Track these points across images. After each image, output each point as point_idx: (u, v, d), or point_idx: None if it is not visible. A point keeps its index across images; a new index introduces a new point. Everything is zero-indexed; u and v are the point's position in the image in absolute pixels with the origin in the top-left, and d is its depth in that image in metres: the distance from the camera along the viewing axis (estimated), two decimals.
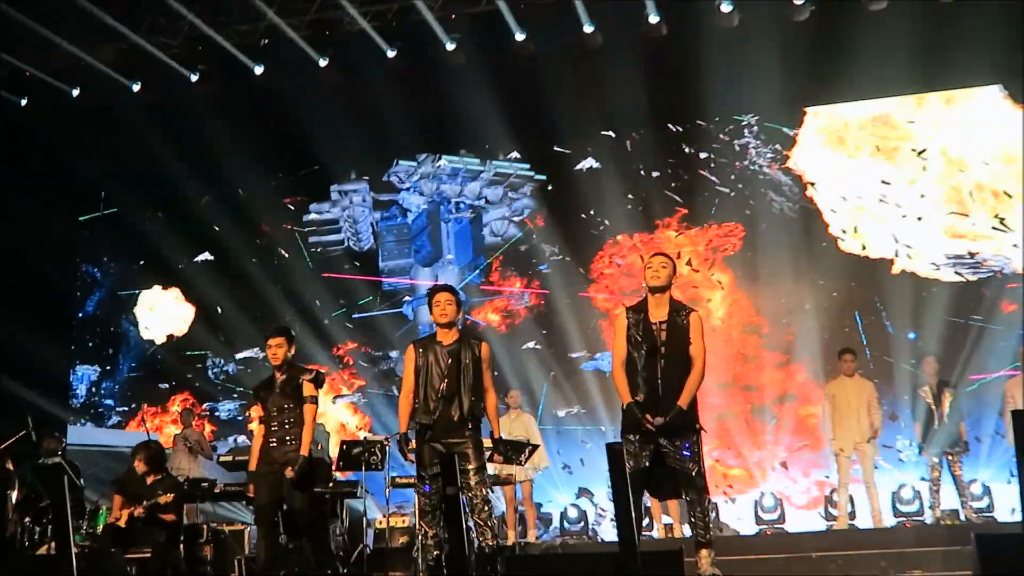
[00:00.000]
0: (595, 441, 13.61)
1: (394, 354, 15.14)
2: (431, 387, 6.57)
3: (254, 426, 11.62)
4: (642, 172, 14.51)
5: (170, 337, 15.92)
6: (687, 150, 14.41)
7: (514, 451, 9.66)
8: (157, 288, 16.14)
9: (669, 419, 6.08)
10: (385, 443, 9.63)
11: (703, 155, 14.34)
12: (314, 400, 7.44)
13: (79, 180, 15.91)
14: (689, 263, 14.00)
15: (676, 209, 14.34)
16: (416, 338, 7.33)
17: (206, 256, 15.88)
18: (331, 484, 9.87)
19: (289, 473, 7.21)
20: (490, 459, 6.90)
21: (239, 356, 15.42)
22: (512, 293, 14.82)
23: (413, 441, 6.74)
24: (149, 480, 9.22)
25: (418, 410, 6.60)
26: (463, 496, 6.41)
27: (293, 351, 7.59)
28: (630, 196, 14.44)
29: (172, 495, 8.98)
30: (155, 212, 16.01)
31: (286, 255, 15.71)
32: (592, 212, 14.52)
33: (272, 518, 7.36)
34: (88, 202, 16.45)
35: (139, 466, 9.28)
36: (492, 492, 6.71)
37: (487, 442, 6.93)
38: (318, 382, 7.49)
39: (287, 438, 7.35)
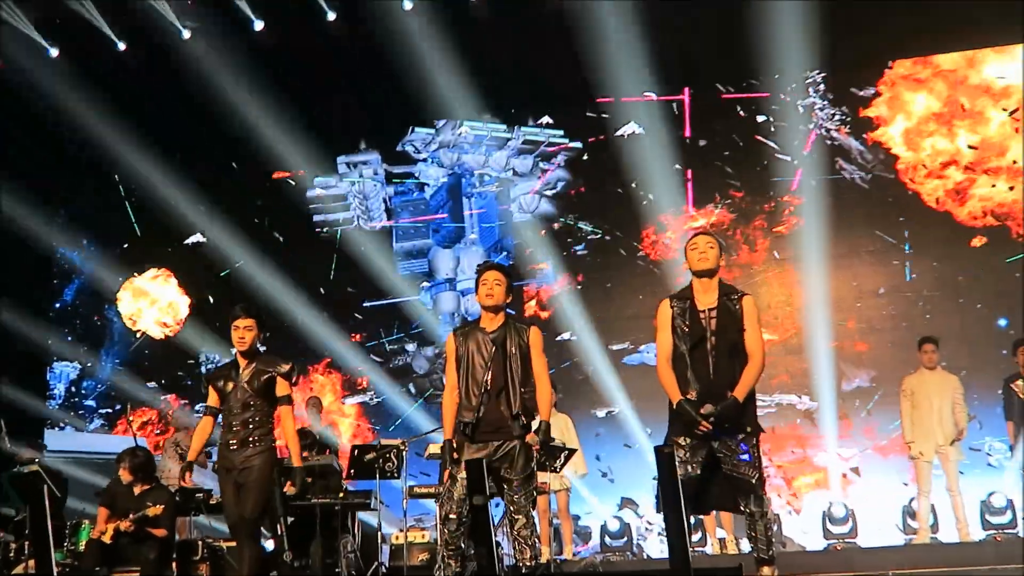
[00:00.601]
0: (640, 445, 13.57)
1: (411, 347, 15.14)
2: (473, 380, 6.54)
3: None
4: (690, 139, 14.41)
5: (161, 329, 15.97)
6: (742, 112, 14.31)
7: (548, 456, 9.62)
8: (144, 274, 16.20)
9: (720, 409, 6.06)
10: (402, 448, 9.63)
11: (760, 118, 14.23)
12: (290, 400, 7.31)
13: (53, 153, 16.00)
14: (742, 240, 13.90)
15: (729, 181, 14.24)
16: (445, 326, 7.29)
17: (198, 238, 15.93)
18: (341, 495, 9.88)
19: (291, 489, 7.21)
20: None
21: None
22: (544, 277, 14.79)
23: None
24: (137, 490, 9.27)
25: (460, 407, 6.57)
26: (505, 507, 6.45)
27: (262, 336, 7.39)
28: (677, 166, 14.35)
29: (162, 507, 9.03)
30: (141, 189, 16.04)
31: (288, 236, 15.72)
32: (635, 184, 14.45)
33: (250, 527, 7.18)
34: (66, 179, 16.50)
35: (124, 475, 9.34)
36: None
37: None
38: (292, 378, 7.32)
39: (251, 440, 7.12)
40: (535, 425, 6.57)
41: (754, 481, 6.14)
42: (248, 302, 7.83)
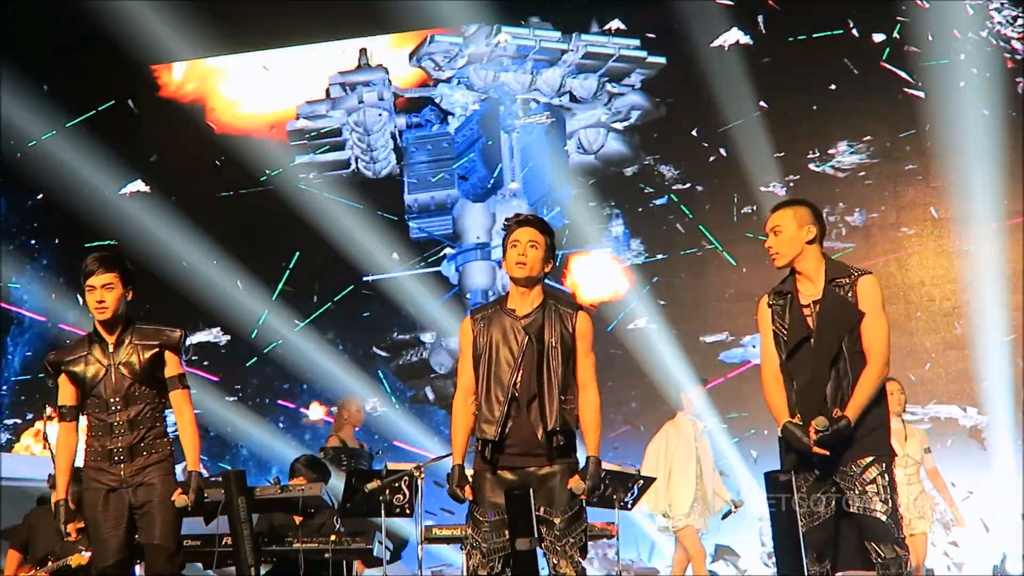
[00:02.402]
0: (739, 472, 13.69)
1: (428, 337, 15.31)
2: (498, 382, 6.48)
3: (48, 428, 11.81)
4: (855, 33, 14.43)
5: (86, 307, 16.13)
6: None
7: (616, 486, 9.76)
8: (62, 237, 16.44)
9: (830, 432, 6.13)
10: (416, 474, 9.71)
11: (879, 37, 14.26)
12: (186, 382, 7.13)
13: None
14: (886, 194, 13.95)
15: (871, 104, 14.29)
16: (472, 307, 7.22)
17: (138, 187, 16.12)
18: (334, 537, 10.02)
19: (182, 500, 6.90)
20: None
21: (190, 340, 15.59)
22: (610, 242, 14.88)
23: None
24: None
25: (479, 419, 6.54)
26: (547, 559, 6.46)
27: (131, 297, 7.06)
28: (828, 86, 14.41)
29: (90, 555, 9.18)
30: (56, 117, 16.23)
31: (262, 182, 15.91)
32: (763, 103, 14.55)
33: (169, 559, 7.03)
34: None
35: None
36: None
37: None
38: (182, 349, 7.15)
39: (143, 444, 6.96)
40: (581, 454, 6.55)
41: (884, 518, 6.17)
42: (106, 251, 7.39)
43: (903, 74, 14.20)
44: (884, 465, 6.27)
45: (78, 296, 16.07)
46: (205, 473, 9.91)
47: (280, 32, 15.84)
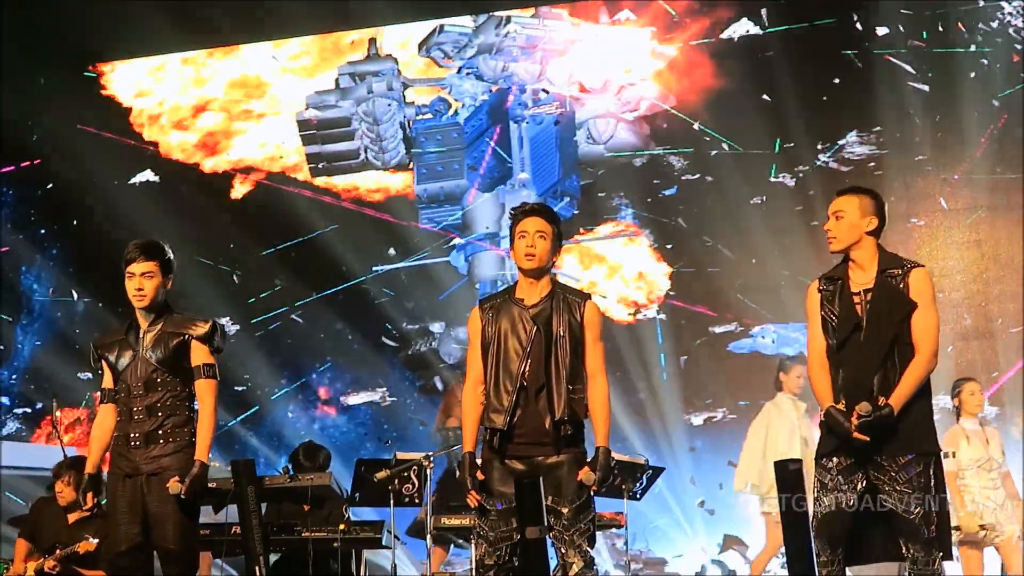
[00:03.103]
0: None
1: (437, 327, 15.31)
2: (506, 371, 6.53)
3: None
4: (858, 26, 14.44)
5: (96, 296, 16.12)
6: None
7: (625, 476, 9.77)
8: (71, 226, 16.45)
9: (872, 418, 6.13)
10: (425, 464, 9.72)
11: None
12: (213, 373, 7.13)
13: None
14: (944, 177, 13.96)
15: (915, 86, 14.29)
16: (481, 297, 7.22)
17: (147, 176, 16.15)
18: (343, 526, 10.04)
19: (175, 487, 6.84)
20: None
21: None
22: (622, 234, 14.88)
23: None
24: (72, 518, 9.47)
25: (487, 408, 6.58)
26: (555, 550, 6.47)
27: (169, 286, 7.13)
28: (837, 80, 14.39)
29: (97, 542, 9.17)
30: (74, 101, 16.26)
31: (269, 173, 15.92)
32: (767, 96, 14.56)
33: (139, 568, 7.05)
34: None
35: (65, 495, 9.48)
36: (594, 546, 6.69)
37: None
38: (215, 342, 7.15)
39: (160, 432, 6.98)
40: (591, 446, 6.56)
41: (917, 519, 6.20)
42: (148, 240, 7.31)
43: (908, 67, 14.18)
44: (923, 464, 6.28)
45: (72, 292, 16.28)
46: (216, 465, 9.95)
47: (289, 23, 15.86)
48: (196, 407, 7.14)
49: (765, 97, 14.42)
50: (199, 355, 7.08)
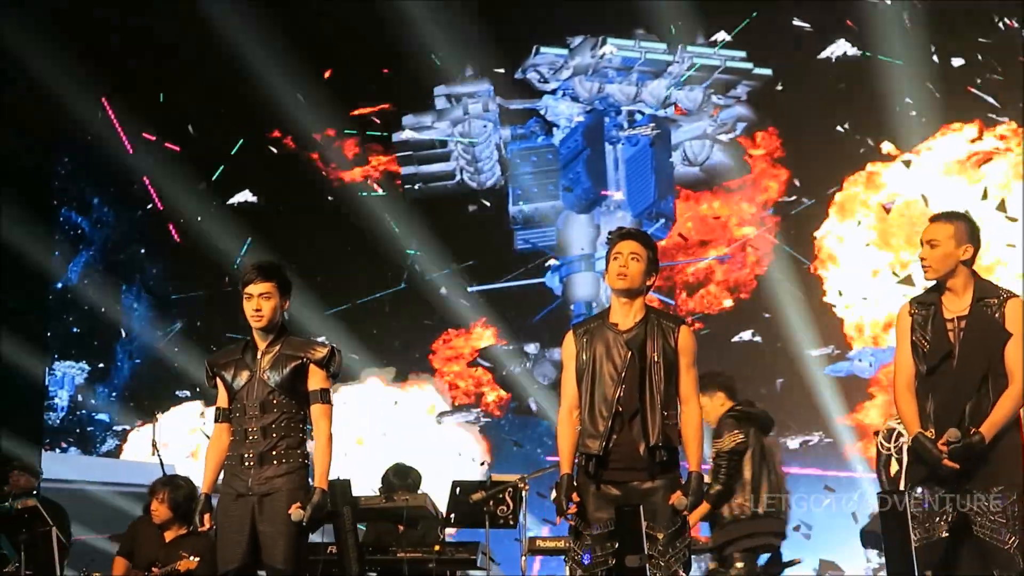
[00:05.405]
0: (845, 488, 13.56)
1: (532, 348, 15.30)
2: (601, 397, 6.48)
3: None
4: (934, 59, 14.30)
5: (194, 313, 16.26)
6: (1003, 23, 14.18)
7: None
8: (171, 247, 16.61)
9: (961, 446, 6.06)
10: (521, 486, 9.72)
11: None
12: (329, 398, 7.08)
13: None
14: (1002, 207, 13.78)
15: (989, 116, 14.12)
16: (574, 321, 7.25)
17: (246, 197, 16.29)
18: (437, 548, 10.05)
19: (298, 514, 6.82)
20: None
21: None
22: (718, 256, 14.82)
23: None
24: (169, 536, 9.51)
25: (582, 434, 6.54)
26: (649, 572, 6.42)
27: (287, 306, 7.09)
28: (908, 100, 14.27)
29: (198, 560, 9.23)
30: (170, 130, 16.41)
31: (367, 193, 15.99)
32: (847, 125, 14.42)
33: None
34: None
35: (160, 513, 9.53)
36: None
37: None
38: (332, 368, 7.08)
39: (274, 453, 6.94)
40: (683, 471, 6.48)
41: (1012, 549, 6.08)
42: (266, 261, 7.27)
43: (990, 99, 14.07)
44: (1015, 496, 6.12)
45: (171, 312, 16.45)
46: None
47: None
48: (308, 429, 7.09)
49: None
50: (316, 380, 7.01)
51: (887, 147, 14.35)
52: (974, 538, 6.15)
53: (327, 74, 15.78)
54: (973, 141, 14.07)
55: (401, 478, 10.57)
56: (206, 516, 7.01)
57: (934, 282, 6.44)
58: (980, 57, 14.23)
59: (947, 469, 6.11)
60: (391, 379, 15.75)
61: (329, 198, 16.11)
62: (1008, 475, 6.15)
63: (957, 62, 14.34)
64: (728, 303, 14.70)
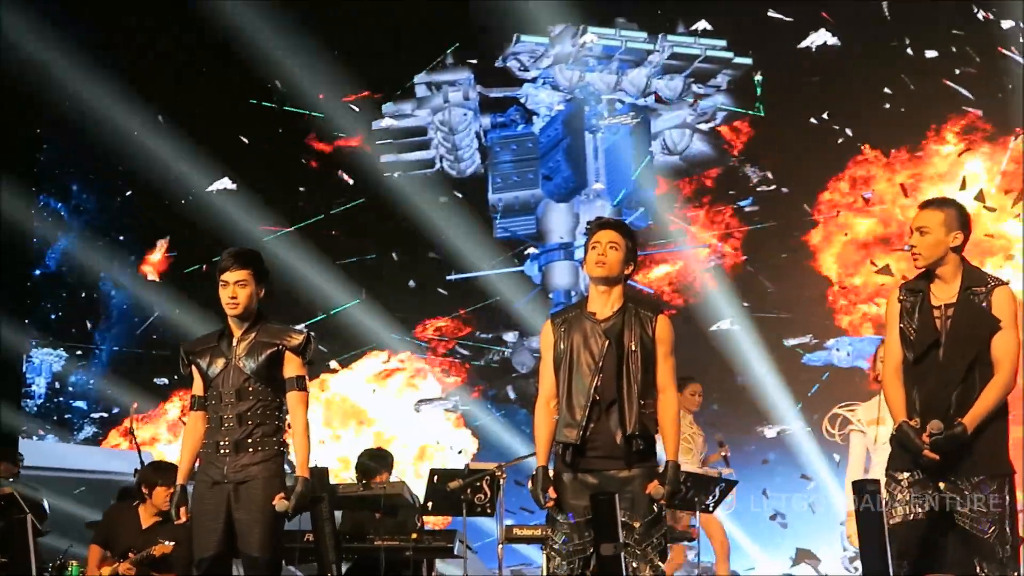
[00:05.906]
0: (823, 477, 13.59)
1: (510, 336, 15.29)
2: (579, 386, 6.49)
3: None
4: (908, 51, 14.31)
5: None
6: (981, 14, 14.19)
7: (697, 489, 9.71)
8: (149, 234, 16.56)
9: (944, 437, 6.06)
10: (497, 474, 9.73)
11: (1007, 24, 14.08)
12: (305, 385, 7.06)
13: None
14: (980, 197, 13.80)
15: (962, 108, 14.15)
16: (553, 310, 7.26)
17: (224, 184, 16.23)
18: (415, 536, 10.05)
19: (282, 504, 6.82)
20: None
21: None
22: (696, 245, 14.83)
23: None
24: (145, 523, 9.51)
25: (560, 423, 6.55)
26: (625, 564, 6.41)
27: (263, 294, 7.07)
28: (887, 90, 14.28)
29: (174, 544, 9.21)
30: (151, 118, 16.36)
31: (347, 181, 15.96)
32: (826, 115, 14.44)
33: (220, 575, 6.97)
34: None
35: (158, 496, 9.50)
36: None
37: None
38: (307, 354, 7.08)
39: (249, 441, 6.91)
40: (659, 461, 6.51)
41: (992, 539, 6.07)
42: (242, 248, 7.31)
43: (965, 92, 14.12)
44: (996, 485, 6.11)
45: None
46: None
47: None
48: (285, 417, 7.07)
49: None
50: (292, 367, 7.00)
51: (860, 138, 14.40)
52: (956, 527, 6.14)
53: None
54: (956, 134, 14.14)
55: (378, 461, 10.57)
56: (182, 509, 6.99)
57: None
58: (954, 49, 14.25)
59: (928, 460, 6.11)
60: (371, 369, 15.75)
61: (301, 188, 16.11)
62: (990, 465, 6.14)
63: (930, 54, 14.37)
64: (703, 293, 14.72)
